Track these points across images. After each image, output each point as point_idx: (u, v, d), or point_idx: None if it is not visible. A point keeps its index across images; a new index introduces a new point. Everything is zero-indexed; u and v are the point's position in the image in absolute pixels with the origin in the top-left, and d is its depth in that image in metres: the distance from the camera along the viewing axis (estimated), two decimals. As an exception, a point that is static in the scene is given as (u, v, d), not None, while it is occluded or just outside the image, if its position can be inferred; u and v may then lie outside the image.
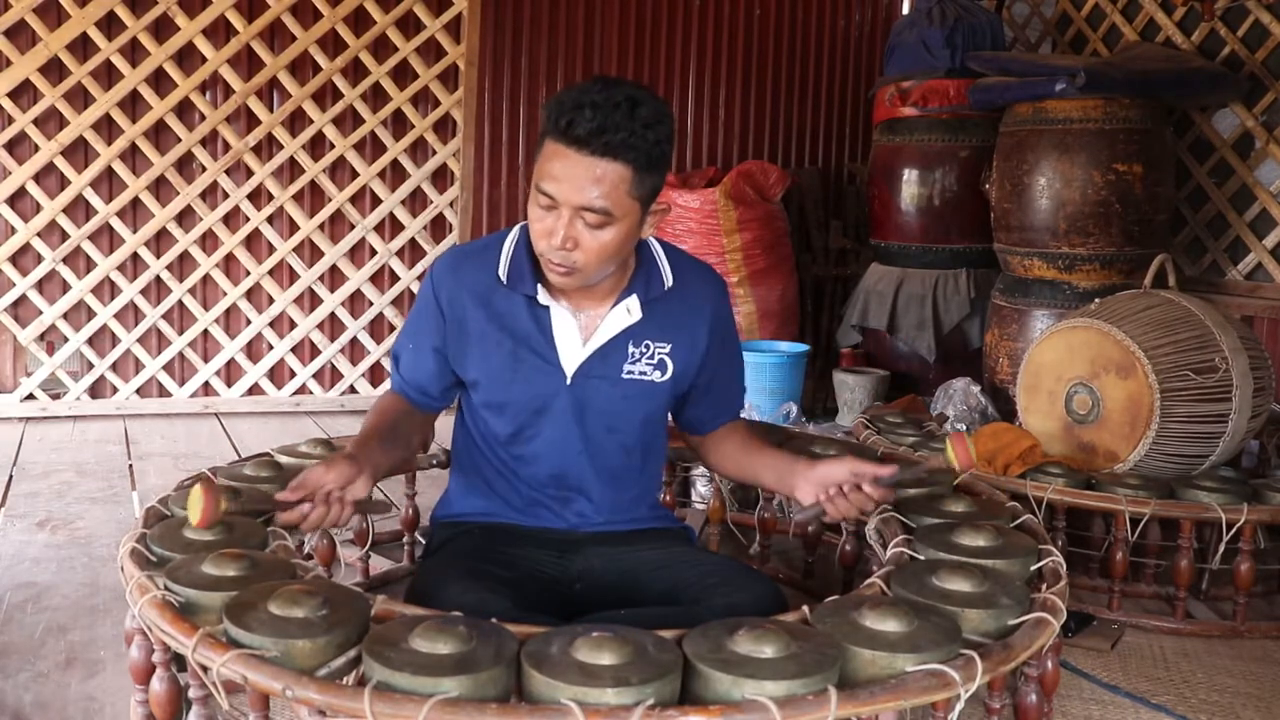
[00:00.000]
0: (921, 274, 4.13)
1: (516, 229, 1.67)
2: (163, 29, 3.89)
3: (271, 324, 4.19)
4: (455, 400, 1.78)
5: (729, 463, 1.84)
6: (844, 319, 4.48)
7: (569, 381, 1.64)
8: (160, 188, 3.99)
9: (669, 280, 1.67)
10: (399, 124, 4.25)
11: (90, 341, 3.98)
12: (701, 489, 2.79)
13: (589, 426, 1.66)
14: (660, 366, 1.67)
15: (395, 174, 4.28)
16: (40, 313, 3.90)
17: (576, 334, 1.64)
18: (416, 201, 4.34)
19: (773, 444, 1.83)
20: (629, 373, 1.65)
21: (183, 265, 4.06)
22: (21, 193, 3.83)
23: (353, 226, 4.24)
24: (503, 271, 1.64)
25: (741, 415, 1.90)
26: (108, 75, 3.87)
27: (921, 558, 1.51)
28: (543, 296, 1.62)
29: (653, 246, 1.69)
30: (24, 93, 3.77)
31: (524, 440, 1.68)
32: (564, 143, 1.45)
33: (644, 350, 1.66)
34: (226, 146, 4.04)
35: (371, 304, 4.31)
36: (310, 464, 1.92)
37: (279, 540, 1.51)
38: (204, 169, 4.01)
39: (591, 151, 1.44)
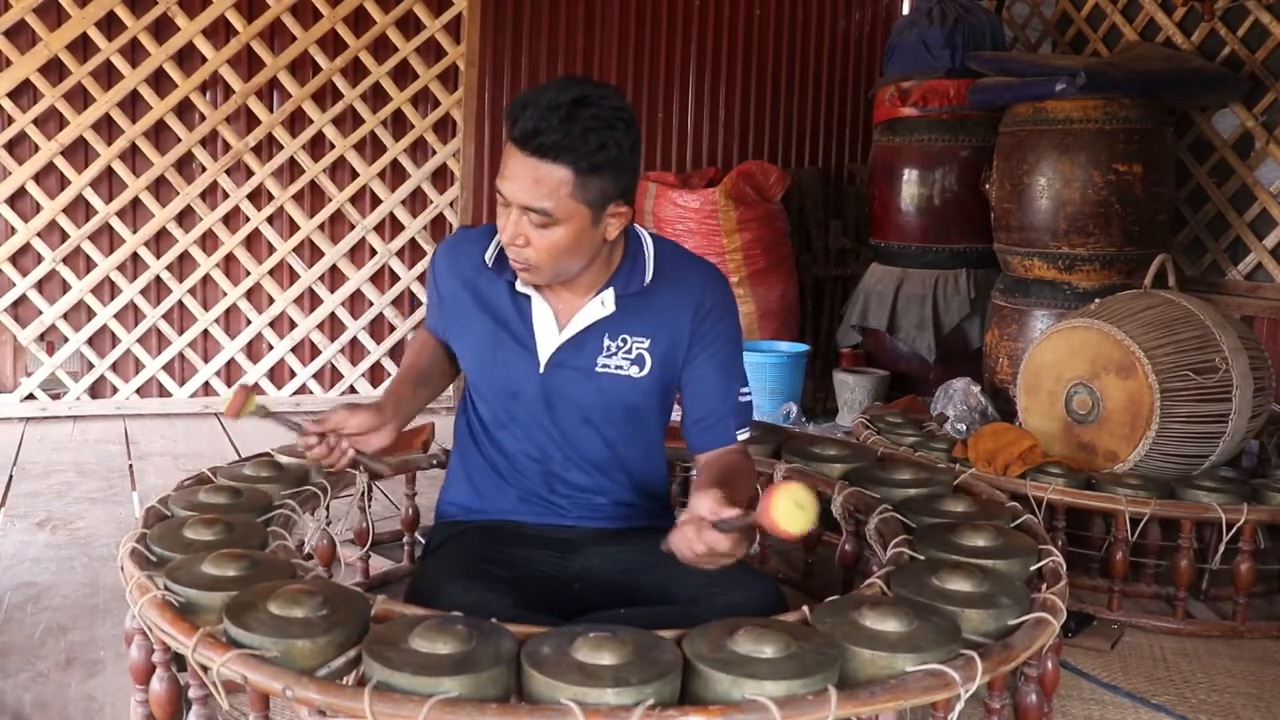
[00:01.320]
0: (921, 274, 4.13)
1: None
2: (163, 29, 3.89)
3: (271, 324, 4.19)
4: None
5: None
6: (844, 319, 4.48)
7: (542, 369, 1.66)
8: (160, 188, 3.99)
9: (649, 275, 1.66)
10: (399, 124, 4.25)
11: (90, 341, 3.98)
12: (701, 489, 2.78)
13: (562, 416, 1.68)
14: (638, 361, 1.66)
15: (395, 174, 4.28)
16: (40, 313, 3.90)
17: (553, 322, 1.66)
18: (416, 201, 4.34)
19: (724, 481, 1.54)
20: (604, 366, 1.66)
21: (183, 265, 4.06)
22: (21, 193, 3.83)
23: (353, 226, 4.24)
24: (489, 256, 1.68)
25: (738, 444, 1.72)
26: (108, 75, 3.87)
27: (921, 558, 1.51)
28: (521, 285, 1.65)
29: (644, 241, 1.69)
30: (24, 93, 3.77)
31: (503, 424, 1.72)
32: (511, 142, 1.49)
33: (620, 344, 1.66)
34: (226, 146, 4.04)
35: (371, 304, 4.31)
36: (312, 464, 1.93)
37: (279, 540, 1.51)
38: (204, 169, 4.01)
39: (531, 152, 1.46)
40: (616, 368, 1.66)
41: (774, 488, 1.24)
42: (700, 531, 1.33)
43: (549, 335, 1.66)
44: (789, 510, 1.20)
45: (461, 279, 1.70)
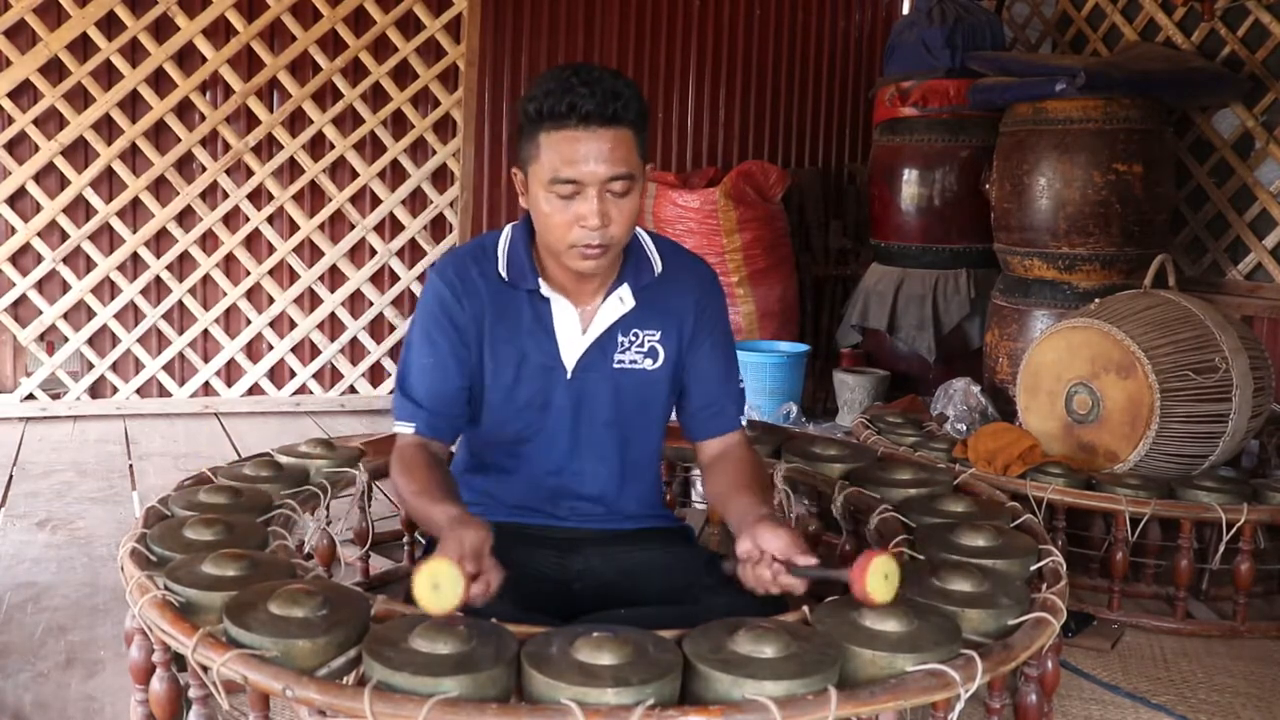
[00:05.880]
0: (921, 274, 4.13)
1: (508, 229, 1.69)
2: (163, 29, 3.89)
3: (271, 324, 4.19)
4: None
5: (712, 491, 1.73)
6: (844, 319, 4.47)
7: (569, 375, 1.65)
8: (160, 188, 3.99)
9: (658, 267, 1.67)
10: (399, 124, 4.25)
11: (90, 341, 3.98)
12: (701, 489, 2.79)
13: (586, 420, 1.67)
14: (652, 354, 1.67)
15: (395, 174, 4.28)
16: (40, 313, 3.90)
17: (577, 325, 1.64)
18: (416, 201, 4.34)
19: (756, 485, 1.62)
20: (619, 362, 1.66)
21: (183, 265, 4.06)
22: (21, 193, 3.83)
23: (353, 226, 4.24)
24: (503, 269, 1.64)
25: (741, 430, 1.75)
26: (108, 75, 3.87)
27: (921, 558, 1.51)
28: (544, 290, 1.63)
29: (641, 237, 1.69)
30: (24, 93, 3.77)
31: (524, 439, 1.69)
32: (571, 126, 1.47)
33: (634, 339, 1.66)
34: (226, 146, 4.04)
35: (371, 304, 4.31)
36: (312, 464, 1.93)
37: (279, 540, 1.51)
38: (204, 169, 4.01)
39: (602, 123, 1.47)
40: (631, 362, 1.66)
41: (868, 557, 1.26)
42: (777, 576, 1.38)
43: (573, 339, 1.64)
44: (880, 584, 1.25)
45: (485, 296, 1.64)
